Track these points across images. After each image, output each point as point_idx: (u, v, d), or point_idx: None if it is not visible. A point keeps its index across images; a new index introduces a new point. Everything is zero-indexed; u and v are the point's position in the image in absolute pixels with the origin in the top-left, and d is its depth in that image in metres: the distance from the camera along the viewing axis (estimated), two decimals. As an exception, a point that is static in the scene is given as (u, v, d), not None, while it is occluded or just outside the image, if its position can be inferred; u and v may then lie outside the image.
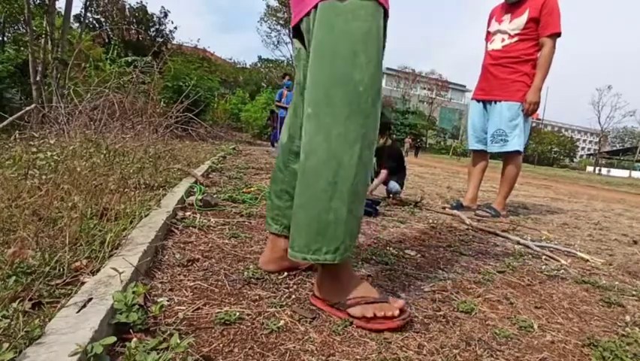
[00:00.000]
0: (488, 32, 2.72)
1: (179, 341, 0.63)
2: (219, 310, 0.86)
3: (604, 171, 39.44)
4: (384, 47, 0.93)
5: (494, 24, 2.66)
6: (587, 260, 1.66)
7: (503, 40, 2.56)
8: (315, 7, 0.88)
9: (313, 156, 0.87)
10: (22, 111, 3.05)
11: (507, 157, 2.64)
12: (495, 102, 2.59)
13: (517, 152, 2.55)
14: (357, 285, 0.94)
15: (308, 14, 0.92)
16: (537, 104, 2.46)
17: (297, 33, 1.05)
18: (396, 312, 0.88)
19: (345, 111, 0.85)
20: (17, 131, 2.32)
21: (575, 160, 56.68)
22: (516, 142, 2.51)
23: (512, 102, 2.50)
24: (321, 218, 0.86)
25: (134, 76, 4.33)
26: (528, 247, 1.80)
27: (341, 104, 0.85)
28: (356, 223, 0.91)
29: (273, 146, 11.89)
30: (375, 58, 0.87)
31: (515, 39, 2.50)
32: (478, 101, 2.73)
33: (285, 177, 1.11)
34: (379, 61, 0.88)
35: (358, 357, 0.74)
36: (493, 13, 2.73)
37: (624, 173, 37.16)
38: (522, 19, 2.47)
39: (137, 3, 19.77)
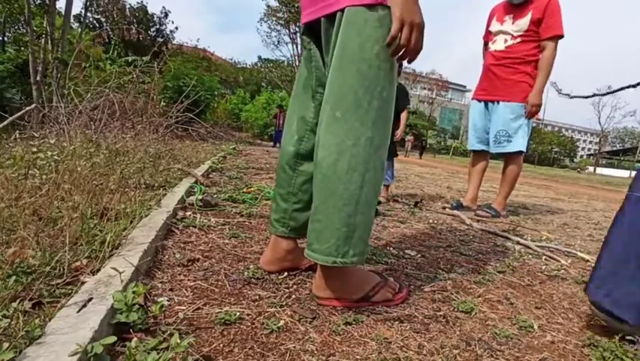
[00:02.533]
0: (489, 32, 2.71)
1: (179, 341, 0.63)
2: (219, 310, 0.86)
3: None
4: None
5: (495, 24, 2.65)
6: (587, 260, 1.66)
7: (506, 41, 2.55)
8: (342, 10, 0.88)
9: (343, 160, 0.87)
10: (23, 111, 3.06)
11: (508, 157, 2.64)
12: (498, 102, 2.58)
13: (520, 152, 2.55)
14: (366, 277, 1.01)
15: (330, 15, 0.92)
16: (539, 106, 2.46)
17: (309, 31, 1.03)
18: (397, 286, 1.03)
19: (373, 116, 0.87)
20: (17, 131, 2.33)
21: (575, 160, 56.59)
22: (520, 142, 2.51)
23: (515, 103, 2.49)
24: (350, 221, 0.88)
25: (134, 76, 4.33)
26: (528, 247, 1.80)
27: (369, 109, 0.87)
28: (372, 224, 0.95)
29: (274, 146, 11.90)
30: (395, 65, 0.90)
31: (518, 40, 2.50)
32: (480, 101, 2.72)
33: (292, 180, 1.09)
34: (396, 68, 0.92)
35: (358, 357, 0.74)
36: (494, 12, 2.71)
37: (621, 173, 37.33)
38: (525, 21, 2.46)
39: (138, 3, 19.78)
